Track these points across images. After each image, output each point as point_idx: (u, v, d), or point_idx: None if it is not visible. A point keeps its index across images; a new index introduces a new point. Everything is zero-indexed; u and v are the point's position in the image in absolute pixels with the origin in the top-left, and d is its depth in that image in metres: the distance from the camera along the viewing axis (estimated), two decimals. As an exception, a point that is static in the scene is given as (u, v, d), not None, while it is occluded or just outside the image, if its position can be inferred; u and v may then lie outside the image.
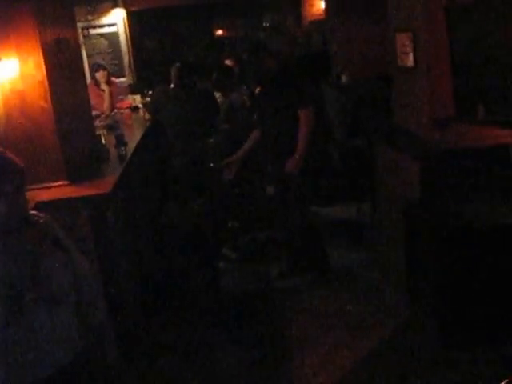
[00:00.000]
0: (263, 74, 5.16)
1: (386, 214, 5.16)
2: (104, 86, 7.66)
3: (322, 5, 11.56)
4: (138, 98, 8.19)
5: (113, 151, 5.12)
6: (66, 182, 4.10)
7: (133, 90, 8.68)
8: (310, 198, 5.38)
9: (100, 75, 7.67)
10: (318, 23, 11.65)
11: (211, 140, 6.43)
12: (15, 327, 2.19)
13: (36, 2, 3.99)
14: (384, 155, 5.14)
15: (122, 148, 5.08)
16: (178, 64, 6.51)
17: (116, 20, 9.52)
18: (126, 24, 9.56)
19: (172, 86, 6.45)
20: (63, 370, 2.40)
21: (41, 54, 4.00)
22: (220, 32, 14.48)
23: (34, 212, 2.42)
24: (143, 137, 6.06)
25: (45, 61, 4.02)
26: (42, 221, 2.39)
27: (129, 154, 5.08)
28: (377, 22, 9.35)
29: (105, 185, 4.09)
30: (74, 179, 4.14)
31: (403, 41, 5.09)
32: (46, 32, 4.11)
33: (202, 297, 5.13)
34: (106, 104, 7.57)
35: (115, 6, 9.33)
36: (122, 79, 9.32)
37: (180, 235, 5.59)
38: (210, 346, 4.39)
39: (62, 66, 4.34)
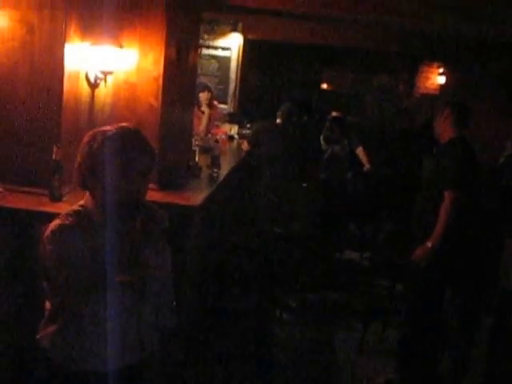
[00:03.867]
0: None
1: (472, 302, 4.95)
2: (205, 108, 7.76)
3: (439, 80, 11.62)
4: (235, 127, 8.30)
5: (204, 171, 5.16)
6: (154, 187, 4.12)
7: (232, 119, 8.79)
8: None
9: (204, 96, 7.77)
10: (430, 97, 11.68)
11: (304, 185, 6.43)
12: (96, 305, 2.19)
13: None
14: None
15: (215, 170, 5.12)
16: (289, 102, 6.65)
17: (231, 45, 9.74)
18: (241, 51, 9.75)
19: (278, 121, 6.54)
20: (126, 369, 2.39)
21: (163, 51, 4.11)
22: (326, 85, 14.61)
23: (148, 202, 2.44)
24: (238, 166, 6.10)
25: (164, 59, 4.11)
26: (155, 210, 2.39)
27: (220, 178, 5.11)
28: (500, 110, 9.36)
29: (193, 198, 4.10)
30: (164, 186, 4.16)
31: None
32: (172, 31, 4.22)
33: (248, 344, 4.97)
34: (203, 126, 7.64)
35: (234, 30, 9.55)
36: (224, 106, 9.45)
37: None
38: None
39: (179, 69, 4.44)
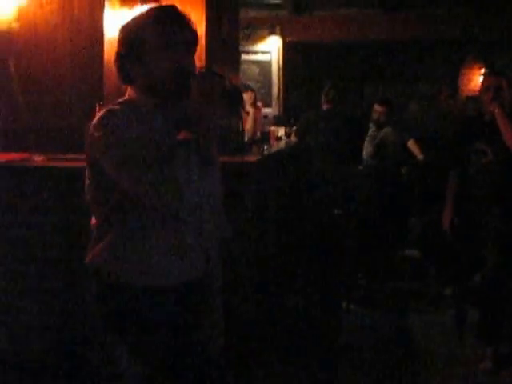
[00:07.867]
0: None
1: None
2: (249, 108, 7.66)
3: (483, 81, 11.36)
4: (281, 129, 8.20)
5: (254, 149, 5.08)
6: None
7: (277, 121, 8.71)
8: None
9: (247, 96, 7.69)
10: (475, 99, 11.42)
11: (360, 167, 6.28)
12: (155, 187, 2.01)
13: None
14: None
15: (266, 146, 5.06)
16: (328, 84, 6.60)
17: (270, 48, 9.78)
18: (281, 53, 9.75)
19: (324, 107, 6.49)
20: (192, 284, 2.23)
21: (204, 10, 4.10)
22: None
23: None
24: (287, 150, 6.02)
25: (206, 19, 4.11)
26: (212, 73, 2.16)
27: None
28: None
29: (247, 158, 3.99)
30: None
31: None
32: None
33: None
34: (249, 126, 7.52)
35: (272, 33, 9.58)
36: (268, 109, 9.40)
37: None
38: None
39: (221, 31, 4.41)
